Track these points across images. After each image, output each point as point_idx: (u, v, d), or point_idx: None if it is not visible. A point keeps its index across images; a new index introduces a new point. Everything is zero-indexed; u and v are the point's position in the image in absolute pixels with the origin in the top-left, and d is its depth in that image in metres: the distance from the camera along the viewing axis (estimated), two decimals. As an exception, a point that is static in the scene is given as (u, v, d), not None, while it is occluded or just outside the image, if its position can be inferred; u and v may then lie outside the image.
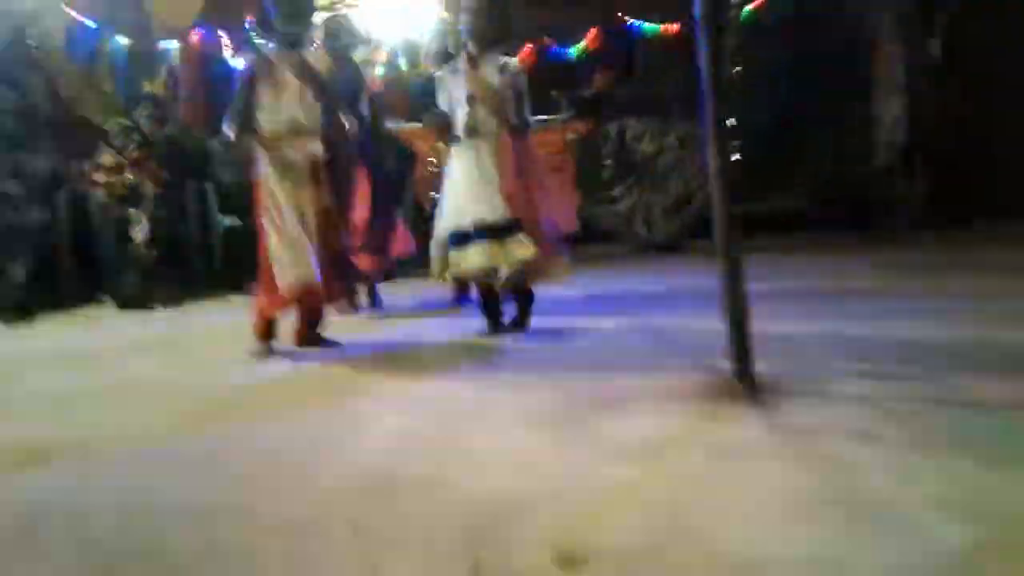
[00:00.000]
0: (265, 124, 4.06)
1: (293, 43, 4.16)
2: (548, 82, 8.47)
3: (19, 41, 7.34)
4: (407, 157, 7.04)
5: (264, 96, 4.07)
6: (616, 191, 7.63)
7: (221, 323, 5.16)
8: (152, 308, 5.86)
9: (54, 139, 7.38)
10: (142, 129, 6.59)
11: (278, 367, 3.84)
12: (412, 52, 8.39)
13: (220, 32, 8.39)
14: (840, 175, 7.92)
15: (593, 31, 9.13)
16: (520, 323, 4.41)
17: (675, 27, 9.00)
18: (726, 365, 2.83)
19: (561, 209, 7.47)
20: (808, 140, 8.20)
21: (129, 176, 6.38)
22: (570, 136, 7.56)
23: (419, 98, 8.37)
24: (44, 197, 6.33)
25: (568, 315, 4.81)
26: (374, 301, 5.50)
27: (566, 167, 7.59)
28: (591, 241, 7.51)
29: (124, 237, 6.16)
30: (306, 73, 4.19)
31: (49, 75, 7.51)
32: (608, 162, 7.60)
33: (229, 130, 4.06)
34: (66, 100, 7.58)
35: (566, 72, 8.88)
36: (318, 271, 4.01)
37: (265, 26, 4.15)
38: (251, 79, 4.07)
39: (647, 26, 9.14)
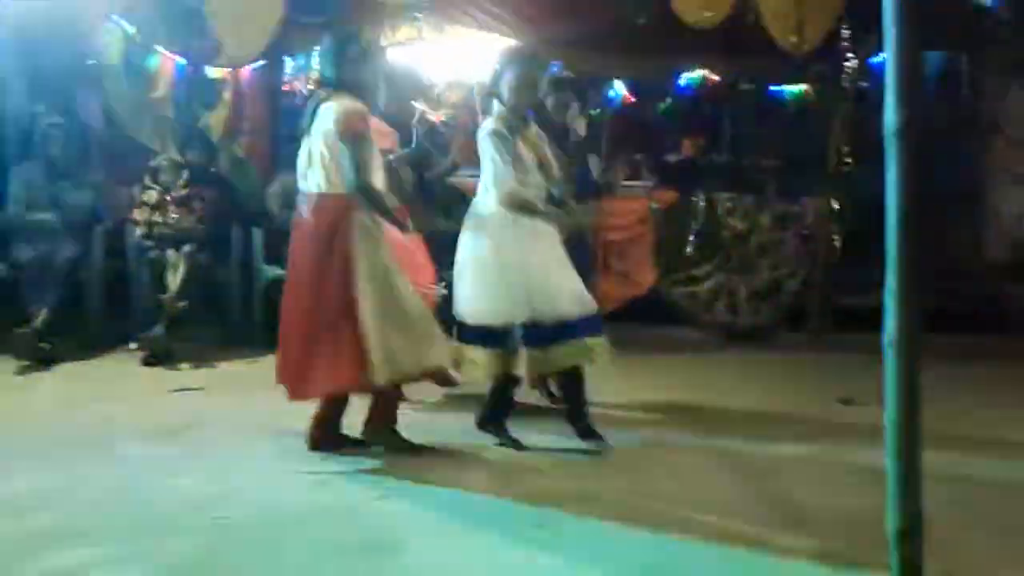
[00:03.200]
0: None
1: (368, 97, 3.71)
2: (630, 142, 7.83)
3: (76, 57, 6.96)
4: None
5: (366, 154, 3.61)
6: (699, 270, 6.90)
7: (255, 398, 4.55)
8: (178, 366, 5.28)
9: (104, 164, 7.00)
10: (191, 165, 6.06)
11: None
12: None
13: (290, 61, 7.89)
14: (949, 270, 7.07)
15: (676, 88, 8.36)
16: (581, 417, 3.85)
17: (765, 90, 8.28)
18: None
19: (638, 276, 6.82)
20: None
21: (172, 216, 5.85)
22: (653, 206, 6.88)
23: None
24: (80, 231, 5.84)
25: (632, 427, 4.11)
26: None
27: (644, 239, 6.90)
28: (666, 324, 6.79)
29: (159, 283, 5.62)
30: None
31: (105, 95, 7.12)
32: (692, 238, 6.89)
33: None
34: (120, 123, 7.17)
35: (649, 132, 8.21)
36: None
37: (342, 74, 3.67)
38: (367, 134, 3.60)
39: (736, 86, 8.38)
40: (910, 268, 2.15)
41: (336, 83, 3.67)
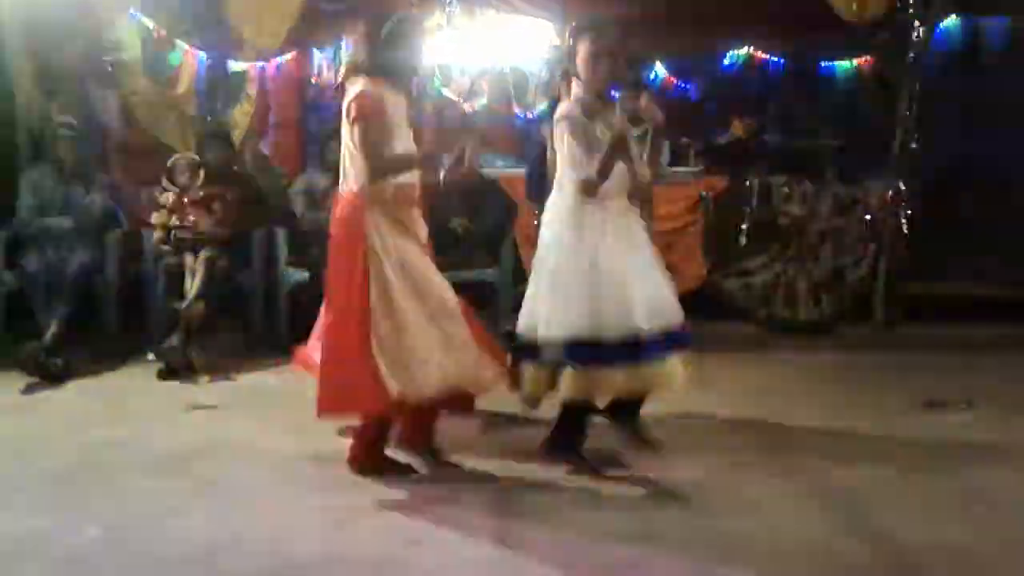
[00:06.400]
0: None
1: (402, 82, 3.40)
2: (675, 125, 7.33)
3: (92, 54, 6.66)
4: (507, 207, 6.09)
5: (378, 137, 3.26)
6: (754, 261, 6.40)
7: (275, 417, 4.17)
8: (196, 379, 4.93)
9: (122, 165, 6.72)
10: (209, 164, 5.71)
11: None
12: (520, 82, 7.50)
13: (317, 53, 7.54)
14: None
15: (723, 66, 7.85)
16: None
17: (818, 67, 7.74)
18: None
19: (688, 269, 6.37)
20: (987, 208, 6.77)
21: (190, 218, 5.50)
22: (703, 193, 6.41)
23: (524, 133, 7.50)
24: (94, 236, 5.52)
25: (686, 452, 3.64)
26: None
27: (694, 229, 6.44)
28: (720, 319, 6.29)
29: (177, 289, 5.28)
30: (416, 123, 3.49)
31: (124, 94, 6.82)
32: (746, 226, 6.39)
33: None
34: (141, 122, 6.88)
35: (694, 114, 7.70)
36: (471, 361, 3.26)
37: (372, 58, 3.33)
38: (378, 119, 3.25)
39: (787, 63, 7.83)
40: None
41: (363, 68, 3.34)
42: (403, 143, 3.34)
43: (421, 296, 3.23)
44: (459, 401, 3.40)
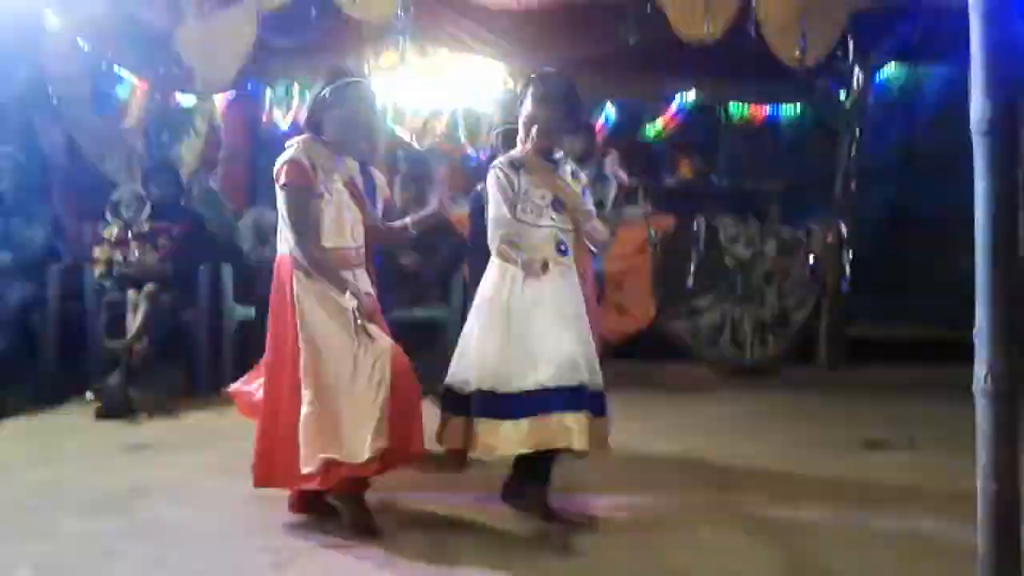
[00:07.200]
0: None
1: (345, 147, 3.30)
2: (622, 166, 7.43)
3: (37, 89, 6.55)
4: (458, 245, 6.06)
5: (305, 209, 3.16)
6: (701, 301, 6.48)
7: (216, 456, 4.08)
8: (137, 418, 4.81)
9: (66, 198, 6.61)
10: (155, 198, 5.62)
11: None
12: (472, 123, 7.53)
13: (268, 90, 7.53)
14: (965, 295, 6.64)
15: (671, 109, 7.99)
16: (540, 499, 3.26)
17: (763, 111, 7.92)
18: None
19: (636, 309, 6.41)
20: (926, 251, 6.94)
21: (134, 253, 5.41)
22: (651, 233, 6.48)
23: (476, 173, 7.52)
24: (33, 270, 5.39)
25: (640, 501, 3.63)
26: None
27: (643, 269, 6.49)
28: (666, 359, 6.33)
29: (118, 325, 5.17)
30: (356, 188, 3.33)
31: (69, 128, 6.71)
32: (693, 267, 6.47)
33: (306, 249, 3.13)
34: (88, 158, 6.77)
35: (642, 155, 7.80)
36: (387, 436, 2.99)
37: (311, 124, 3.24)
38: (305, 187, 3.12)
39: (732, 107, 7.99)
40: (1006, 300, 1.74)
41: (304, 126, 3.27)
42: (342, 215, 3.19)
43: (351, 362, 3.05)
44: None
